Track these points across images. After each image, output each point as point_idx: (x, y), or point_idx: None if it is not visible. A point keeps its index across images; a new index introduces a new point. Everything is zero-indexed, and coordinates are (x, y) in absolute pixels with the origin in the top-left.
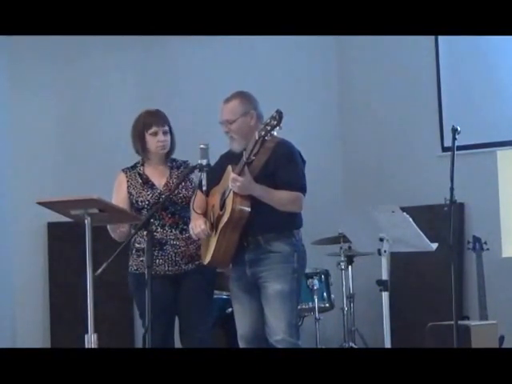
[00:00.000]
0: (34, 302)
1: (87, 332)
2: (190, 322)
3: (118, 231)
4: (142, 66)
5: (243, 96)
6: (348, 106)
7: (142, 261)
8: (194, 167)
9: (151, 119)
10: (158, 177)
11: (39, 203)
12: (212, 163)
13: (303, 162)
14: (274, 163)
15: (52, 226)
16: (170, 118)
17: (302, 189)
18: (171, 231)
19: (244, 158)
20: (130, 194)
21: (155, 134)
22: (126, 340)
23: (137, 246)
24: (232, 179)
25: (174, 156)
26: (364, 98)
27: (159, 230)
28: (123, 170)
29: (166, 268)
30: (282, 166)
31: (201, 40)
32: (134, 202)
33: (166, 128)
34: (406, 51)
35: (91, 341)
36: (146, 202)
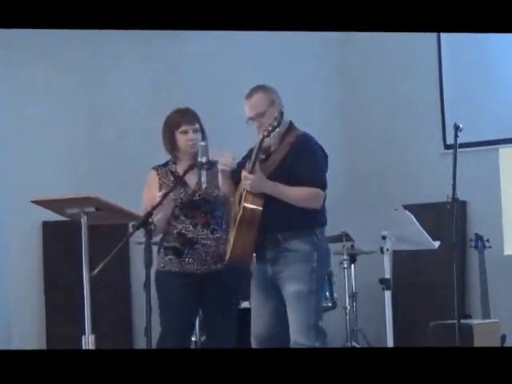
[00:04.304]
0: (30, 303)
1: (84, 333)
2: (214, 321)
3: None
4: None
5: (264, 87)
6: (350, 104)
7: (169, 259)
8: (194, 165)
9: (181, 118)
10: (190, 175)
11: (34, 202)
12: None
13: (324, 156)
14: (293, 158)
15: (47, 226)
16: None
17: (320, 184)
18: (203, 231)
19: (253, 158)
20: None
21: (185, 132)
22: (123, 341)
23: (165, 244)
24: (243, 177)
25: None
26: (366, 95)
27: (191, 228)
28: (154, 168)
29: (195, 267)
30: (300, 162)
31: (199, 37)
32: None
33: (197, 126)
34: (408, 48)
35: (88, 342)
36: (179, 201)
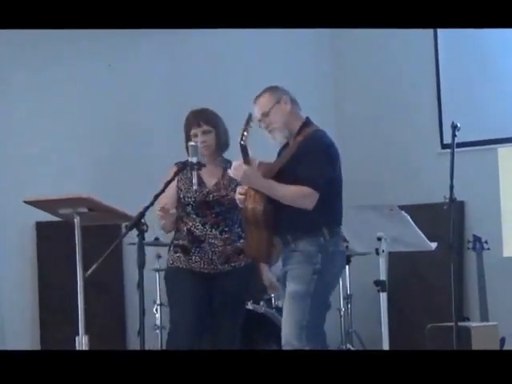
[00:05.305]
0: (23, 303)
1: (78, 333)
2: (218, 321)
3: (161, 224)
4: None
5: (271, 88)
6: (345, 102)
7: (178, 256)
8: (185, 166)
9: (191, 120)
10: (209, 176)
11: (27, 202)
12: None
13: (329, 157)
14: (297, 158)
15: (40, 226)
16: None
17: (315, 184)
18: (211, 230)
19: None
20: (179, 188)
21: (195, 135)
22: (117, 341)
23: (175, 242)
24: (232, 166)
25: None
26: (361, 94)
27: (199, 227)
28: (176, 164)
29: (202, 266)
30: (301, 161)
31: (187, 34)
32: (182, 196)
33: (206, 127)
34: (404, 45)
35: (82, 342)
36: (192, 199)
